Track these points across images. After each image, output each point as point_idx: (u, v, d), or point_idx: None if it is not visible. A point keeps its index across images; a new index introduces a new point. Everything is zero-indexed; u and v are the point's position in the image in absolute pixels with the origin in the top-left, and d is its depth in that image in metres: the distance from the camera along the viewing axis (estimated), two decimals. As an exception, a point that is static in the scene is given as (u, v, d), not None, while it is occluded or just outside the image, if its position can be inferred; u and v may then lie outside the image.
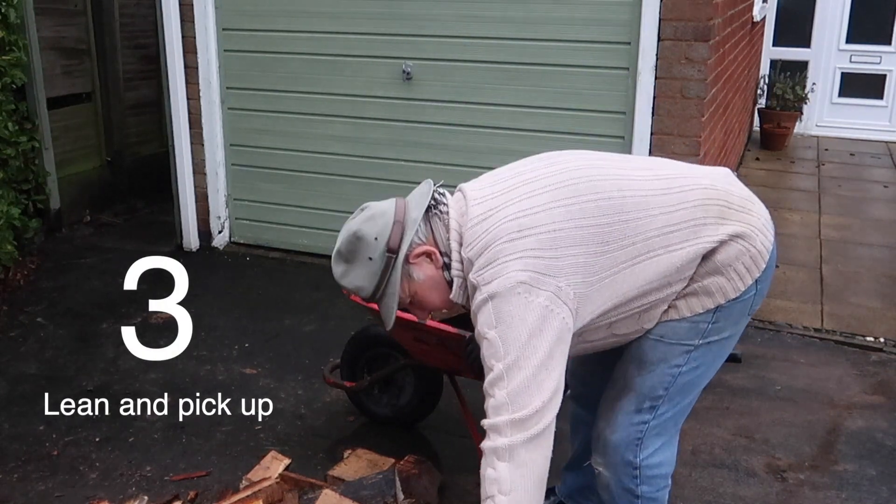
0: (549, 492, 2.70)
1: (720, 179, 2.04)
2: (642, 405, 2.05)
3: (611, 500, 2.16)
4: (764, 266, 1.97)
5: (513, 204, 1.87)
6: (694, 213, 1.92)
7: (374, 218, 1.92)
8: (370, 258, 1.89)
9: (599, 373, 2.25)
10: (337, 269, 1.96)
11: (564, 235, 1.83)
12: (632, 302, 1.93)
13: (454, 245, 1.90)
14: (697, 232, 1.91)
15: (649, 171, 2.01)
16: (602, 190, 1.90)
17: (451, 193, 2.01)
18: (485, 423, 1.82)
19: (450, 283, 1.94)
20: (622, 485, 2.11)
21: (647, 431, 2.05)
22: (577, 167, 1.97)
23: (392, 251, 1.88)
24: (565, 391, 2.26)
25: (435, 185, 1.99)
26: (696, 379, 2.06)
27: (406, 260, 1.90)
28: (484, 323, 1.80)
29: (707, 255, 1.93)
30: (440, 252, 1.92)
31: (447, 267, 1.92)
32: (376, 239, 1.89)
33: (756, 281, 1.97)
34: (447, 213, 1.94)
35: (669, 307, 1.98)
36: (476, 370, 2.54)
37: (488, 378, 1.81)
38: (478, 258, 1.83)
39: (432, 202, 1.94)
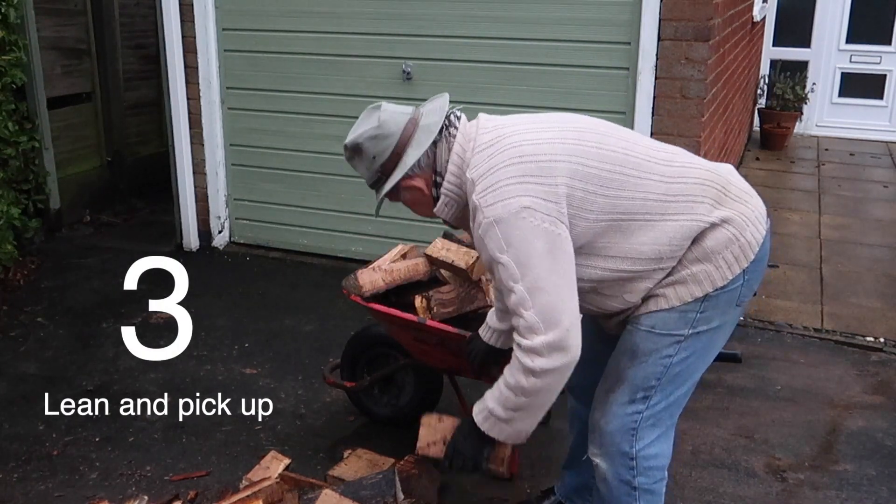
0: (549, 491, 2.70)
1: (722, 169, 2.10)
2: (635, 395, 2.08)
3: (608, 492, 2.17)
4: (753, 257, 2.00)
5: (518, 134, 1.98)
6: (692, 189, 1.99)
7: (378, 138, 2.06)
8: (367, 167, 2.11)
9: (594, 365, 2.26)
10: (345, 153, 2.16)
11: (564, 167, 1.91)
12: (620, 262, 1.98)
13: (451, 168, 2.02)
14: (693, 208, 1.97)
15: (655, 145, 2.10)
16: (607, 144, 1.99)
17: (468, 119, 2.12)
18: (522, 343, 1.91)
19: (435, 200, 2.07)
20: (619, 476, 2.13)
21: (640, 422, 2.08)
22: (589, 122, 2.07)
23: (385, 173, 2.07)
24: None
25: (453, 109, 2.10)
26: (687, 369, 2.08)
27: (398, 186, 2.08)
28: (494, 248, 1.89)
29: (696, 241, 1.97)
30: (435, 172, 2.06)
31: (437, 185, 2.06)
32: (374, 158, 2.07)
33: (744, 271, 2.00)
34: (454, 136, 2.04)
35: (658, 296, 2.02)
36: (476, 370, 2.55)
37: (511, 300, 1.90)
38: (481, 180, 1.92)
39: (445, 122, 2.06)
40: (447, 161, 2.03)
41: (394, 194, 2.11)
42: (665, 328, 2.02)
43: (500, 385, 2.01)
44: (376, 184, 2.13)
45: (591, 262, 1.97)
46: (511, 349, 1.99)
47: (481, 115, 2.10)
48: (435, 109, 2.09)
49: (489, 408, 2.05)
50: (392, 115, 2.09)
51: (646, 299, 2.04)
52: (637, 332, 2.06)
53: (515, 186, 1.88)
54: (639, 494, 2.13)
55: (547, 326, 1.87)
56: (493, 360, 2.45)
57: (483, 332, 2.48)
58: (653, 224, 1.96)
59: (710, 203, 1.99)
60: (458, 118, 2.08)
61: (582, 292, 1.98)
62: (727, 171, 2.11)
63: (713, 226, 1.97)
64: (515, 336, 1.93)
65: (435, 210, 2.09)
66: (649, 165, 1.99)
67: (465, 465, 2.17)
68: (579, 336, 1.90)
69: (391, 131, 2.06)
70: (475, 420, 2.09)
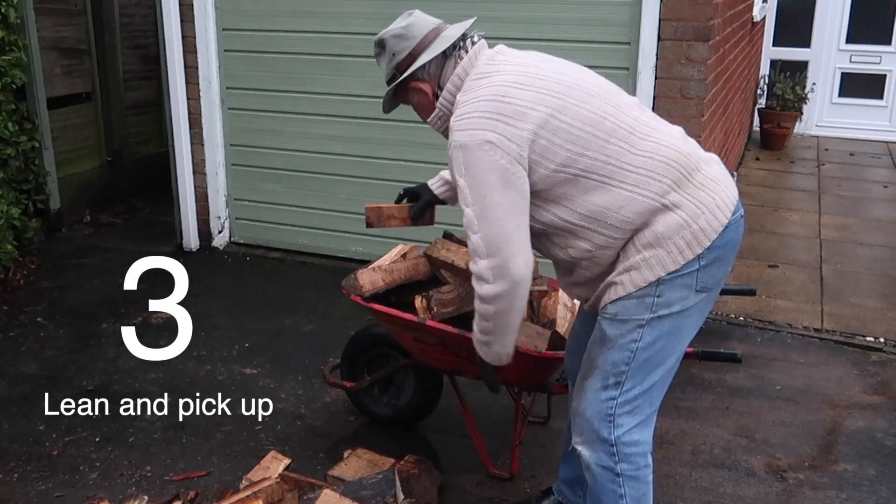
0: (548, 491, 2.70)
1: (702, 156, 2.17)
2: (607, 381, 2.13)
3: (593, 480, 2.20)
4: (708, 245, 2.04)
5: (513, 75, 2.09)
6: (656, 166, 2.05)
7: (402, 37, 2.23)
8: (386, 63, 2.27)
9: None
10: (374, 50, 2.31)
11: (537, 116, 2.01)
12: (570, 214, 2.07)
13: (449, 86, 2.18)
14: (649, 184, 2.03)
15: (645, 118, 2.16)
16: (590, 104, 2.06)
17: (488, 47, 2.25)
18: (472, 268, 2.11)
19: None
20: (601, 462, 2.16)
21: (616, 408, 2.12)
22: (585, 81, 2.14)
23: (399, 70, 2.23)
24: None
25: (476, 34, 2.24)
26: (656, 355, 2.11)
27: (406, 85, 2.25)
28: (455, 168, 2.06)
29: (648, 224, 2.03)
30: (438, 86, 2.21)
31: (436, 97, 2.22)
32: (393, 55, 2.24)
33: (699, 257, 2.04)
34: (461, 57, 2.18)
35: (616, 284, 2.08)
36: (415, 217, 2.76)
37: (464, 221, 2.06)
38: (461, 105, 2.08)
39: (459, 42, 2.20)
40: (447, 78, 2.19)
41: (402, 94, 2.29)
42: (626, 314, 2.08)
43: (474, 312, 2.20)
44: (391, 81, 2.28)
45: (545, 205, 2.09)
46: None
47: (498, 47, 2.23)
48: (458, 27, 2.25)
49: (473, 333, 2.27)
50: (420, 20, 2.25)
51: (606, 288, 2.12)
52: (603, 320, 2.14)
53: (486, 121, 2.01)
54: (623, 480, 2.17)
55: (489, 252, 2.03)
56: (429, 213, 2.75)
57: (434, 182, 2.73)
58: (608, 188, 2.04)
59: (667, 184, 2.03)
60: (474, 42, 2.21)
61: (534, 232, 2.11)
62: (706, 158, 2.17)
63: (665, 208, 2.03)
64: (469, 265, 2.15)
65: (428, 120, 2.27)
66: (622, 133, 2.06)
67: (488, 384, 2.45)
68: (526, 266, 2.04)
69: (413, 34, 2.22)
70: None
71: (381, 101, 2.35)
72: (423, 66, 2.20)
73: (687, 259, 2.03)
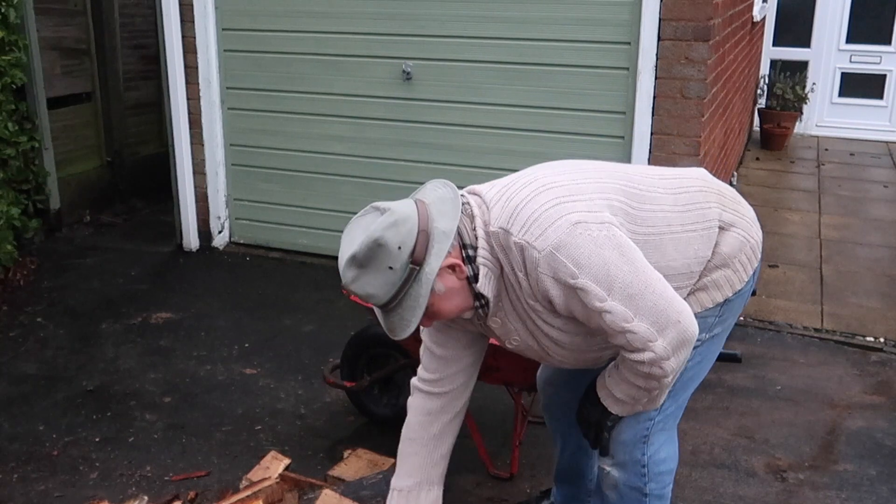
0: (548, 492, 2.70)
1: (703, 173, 2.13)
2: None
3: (619, 498, 2.15)
4: (760, 256, 2.05)
5: (524, 176, 1.88)
6: (696, 196, 1.99)
7: (396, 224, 1.74)
8: (390, 267, 1.75)
9: (571, 383, 2.27)
10: (348, 273, 1.79)
11: (588, 187, 1.83)
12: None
13: (480, 232, 1.81)
14: (705, 215, 1.97)
15: (640, 167, 2.11)
16: (607, 169, 1.96)
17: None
18: (644, 357, 1.77)
19: (469, 280, 1.83)
20: (630, 483, 2.11)
21: (652, 428, 2.07)
22: (575, 162, 2.02)
23: (416, 263, 1.75)
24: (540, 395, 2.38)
25: (447, 185, 1.90)
26: (697, 374, 2.09)
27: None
28: (567, 276, 1.72)
29: (714, 250, 1.98)
30: (463, 247, 1.81)
31: (471, 260, 1.81)
32: (399, 248, 1.74)
33: (754, 271, 2.04)
34: (468, 204, 1.86)
35: None
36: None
37: (609, 321, 1.74)
38: (512, 223, 1.76)
39: (452, 194, 1.86)
40: (474, 227, 1.82)
41: (430, 296, 1.79)
42: None
43: (626, 380, 1.88)
44: (405, 284, 1.76)
45: None
46: None
47: (471, 188, 1.92)
48: (431, 187, 1.89)
49: (617, 397, 1.95)
50: (391, 203, 1.81)
51: None
52: None
53: (555, 209, 1.74)
54: (649, 500, 2.13)
55: (661, 329, 1.74)
56: None
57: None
58: (677, 237, 1.92)
59: (716, 207, 2.00)
60: (462, 196, 1.88)
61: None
62: (708, 174, 2.13)
63: (722, 230, 1.99)
64: (630, 356, 1.80)
65: (478, 287, 1.82)
66: (650, 181, 1.97)
67: (589, 430, 2.08)
68: (692, 315, 1.79)
69: (406, 214, 1.77)
70: (602, 401, 2.00)
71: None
72: (457, 231, 1.78)
73: (749, 274, 2.02)
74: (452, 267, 1.79)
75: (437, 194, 1.86)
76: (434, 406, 2.23)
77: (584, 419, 2.07)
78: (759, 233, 2.06)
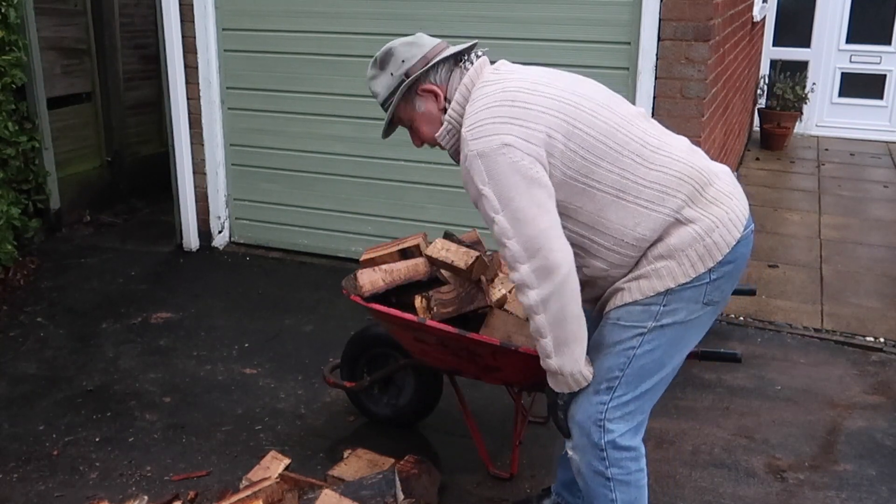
0: (548, 491, 2.70)
1: (713, 169, 2.14)
2: (599, 386, 2.12)
3: (584, 484, 2.22)
4: (720, 258, 2.04)
5: (521, 81, 2.10)
6: (669, 181, 2.04)
7: (412, 44, 2.19)
8: (391, 73, 2.19)
9: None
10: (370, 70, 2.25)
11: (551, 120, 2.00)
12: (585, 228, 2.06)
13: (458, 97, 2.14)
14: (664, 200, 2.03)
15: (654, 130, 2.14)
16: (601, 114, 2.05)
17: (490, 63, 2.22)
18: (511, 277, 2.02)
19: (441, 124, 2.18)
20: (592, 467, 2.17)
21: (606, 413, 2.11)
22: (594, 91, 2.13)
23: (407, 76, 2.16)
24: None
25: (480, 49, 2.24)
26: (653, 363, 2.11)
27: (415, 90, 2.18)
28: (477, 179, 2.00)
29: (661, 237, 2.03)
30: (445, 97, 2.17)
31: (443, 111, 2.17)
32: (403, 62, 2.18)
33: (710, 271, 2.04)
34: (467, 69, 2.16)
35: (623, 290, 2.08)
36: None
37: (495, 231, 2.00)
38: (471, 115, 2.05)
39: (465, 56, 2.19)
40: (455, 89, 2.15)
41: (405, 108, 2.21)
42: (629, 320, 2.07)
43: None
44: (395, 91, 2.19)
45: (561, 220, 2.04)
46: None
47: (501, 61, 2.23)
48: (463, 45, 2.23)
49: (544, 366, 2.11)
50: (425, 36, 2.24)
51: (613, 294, 2.11)
52: (606, 324, 2.13)
53: (500, 125, 1.98)
54: (614, 485, 2.17)
55: (529, 254, 1.96)
56: None
57: None
58: (623, 204, 2.02)
59: (682, 199, 2.03)
60: (479, 56, 2.20)
61: None
62: (717, 171, 2.14)
63: (678, 223, 2.03)
64: (510, 276, 2.05)
65: (437, 135, 2.19)
66: (635, 146, 2.04)
67: (555, 419, 2.23)
68: (567, 257, 1.98)
69: (424, 43, 2.20)
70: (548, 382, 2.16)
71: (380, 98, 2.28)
72: (437, 66, 2.16)
73: (698, 272, 2.04)
74: (431, 92, 2.17)
75: (459, 45, 2.20)
76: None
77: (548, 401, 2.23)
78: (729, 235, 2.05)
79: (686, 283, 2.04)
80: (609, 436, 2.12)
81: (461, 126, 2.10)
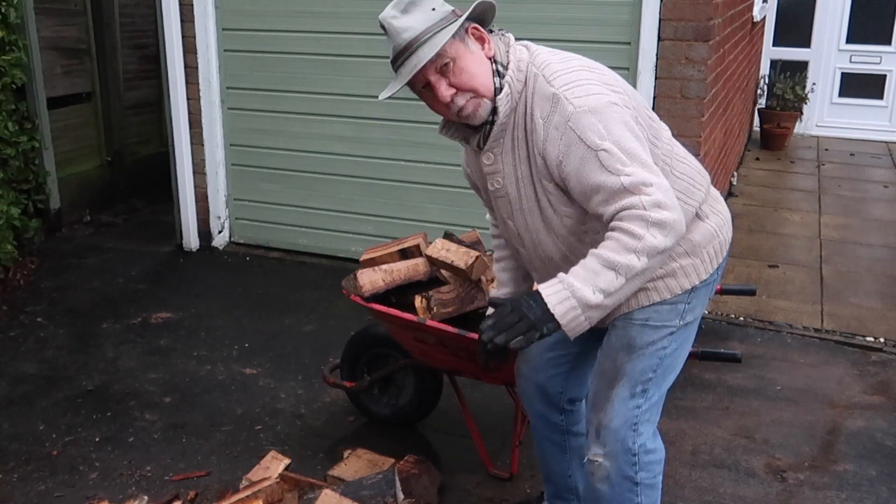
0: (542, 496, 2.70)
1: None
2: (635, 389, 2.08)
3: (611, 490, 2.14)
4: (725, 255, 2.11)
5: (574, 56, 1.98)
6: (693, 173, 2.06)
7: None
8: (433, 8, 1.89)
9: (545, 369, 2.33)
10: (390, 11, 1.91)
11: (623, 86, 1.94)
12: None
13: (514, 61, 1.93)
14: (692, 192, 2.03)
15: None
16: (641, 100, 2.04)
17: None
18: (649, 216, 1.77)
19: (493, 67, 1.93)
20: (622, 473, 2.11)
21: (640, 416, 2.09)
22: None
23: (456, 13, 1.91)
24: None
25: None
26: (676, 362, 2.13)
27: (466, 29, 1.92)
28: (594, 135, 1.81)
29: (686, 235, 1.99)
30: (493, 59, 1.93)
31: (498, 74, 1.92)
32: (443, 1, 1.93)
33: (717, 268, 2.09)
34: (509, 36, 1.99)
35: (650, 290, 2.03)
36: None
37: (626, 182, 1.78)
38: (558, 75, 1.88)
39: (496, 27, 2.01)
40: (507, 52, 1.94)
41: (459, 44, 1.88)
42: (659, 320, 2.04)
43: (593, 265, 1.82)
44: (440, 23, 1.87)
45: None
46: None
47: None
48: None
49: (573, 286, 1.81)
50: None
51: (636, 294, 2.01)
52: (633, 326, 2.05)
53: (600, 87, 1.87)
54: (640, 490, 2.13)
55: (671, 204, 1.80)
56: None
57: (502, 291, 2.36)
58: None
59: (703, 193, 2.06)
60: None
61: (588, 235, 1.95)
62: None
63: (697, 218, 2.04)
64: (633, 213, 1.78)
65: (498, 99, 1.91)
66: (666, 136, 2.06)
67: (497, 338, 1.84)
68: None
69: None
70: (543, 295, 1.83)
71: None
72: (491, 7, 1.94)
73: (714, 268, 2.07)
74: (482, 39, 1.93)
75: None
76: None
77: (512, 313, 1.84)
78: (730, 234, 2.13)
79: (705, 280, 2.06)
80: (640, 439, 2.10)
81: (520, 90, 1.92)
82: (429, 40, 1.86)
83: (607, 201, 1.82)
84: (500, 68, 1.92)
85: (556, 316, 1.82)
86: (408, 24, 1.87)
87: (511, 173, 2.00)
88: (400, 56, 1.90)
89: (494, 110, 1.93)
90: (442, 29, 1.86)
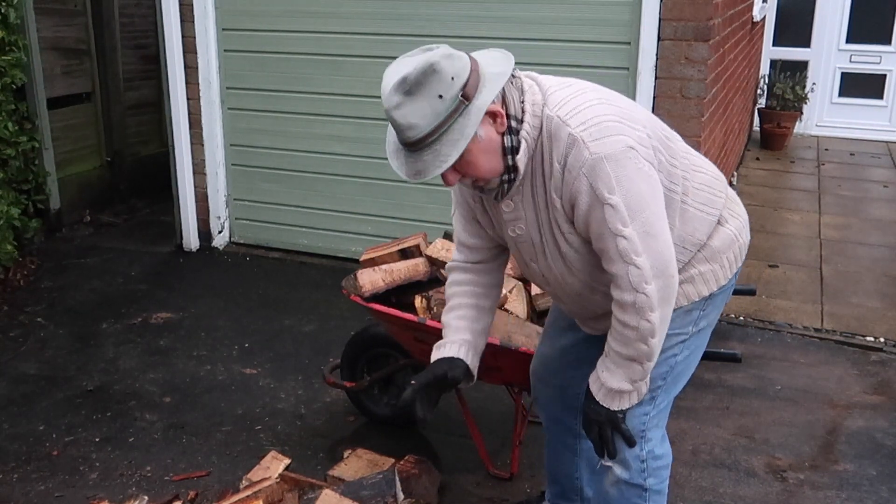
0: (542, 495, 2.70)
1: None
2: (644, 397, 2.06)
3: (619, 494, 2.14)
4: (743, 259, 2.07)
5: (582, 84, 1.88)
6: (711, 182, 2.02)
7: (452, 57, 1.72)
8: (440, 96, 1.70)
9: (561, 373, 2.31)
10: (393, 97, 1.73)
11: (644, 119, 1.86)
12: None
13: (529, 108, 1.80)
14: (713, 201, 1.99)
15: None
16: (652, 116, 1.98)
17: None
18: (625, 299, 1.79)
19: (507, 150, 1.81)
20: (632, 479, 2.11)
21: (648, 423, 2.07)
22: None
23: (466, 97, 1.71)
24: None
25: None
26: (686, 369, 2.11)
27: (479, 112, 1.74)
28: (604, 187, 1.73)
29: (706, 241, 1.99)
30: (507, 115, 1.79)
31: (513, 131, 1.79)
32: (453, 79, 1.70)
33: (735, 273, 2.06)
34: (520, 78, 1.84)
35: None
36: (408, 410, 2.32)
37: (620, 245, 1.76)
38: (573, 115, 1.76)
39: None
40: (522, 101, 1.80)
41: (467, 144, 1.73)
42: (672, 328, 1.97)
43: (616, 362, 1.90)
44: (451, 116, 1.71)
45: None
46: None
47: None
48: (483, 51, 1.87)
49: (612, 389, 1.92)
50: (444, 45, 1.80)
51: None
52: None
53: (616, 125, 1.75)
54: (649, 496, 2.13)
55: (656, 273, 1.77)
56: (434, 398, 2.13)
57: (457, 350, 2.15)
58: (686, 208, 1.94)
59: (723, 199, 2.02)
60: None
61: (601, 269, 1.88)
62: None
63: (718, 224, 2.01)
64: (619, 293, 1.81)
65: (517, 158, 1.80)
66: (682, 146, 1.99)
67: (607, 456, 2.03)
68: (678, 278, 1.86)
69: (460, 53, 1.76)
70: (602, 404, 1.96)
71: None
72: (494, 80, 1.75)
73: (733, 273, 2.04)
74: (494, 116, 1.76)
75: (490, 54, 1.85)
76: (470, 277, 2.20)
77: (591, 420, 2.01)
78: (749, 236, 2.08)
79: (723, 286, 2.03)
80: (649, 445, 2.08)
81: (537, 138, 1.81)
82: (435, 143, 1.72)
83: (603, 257, 1.83)
84: (515, 123, 1.79)
85: (617, 410, 1.96)
86: (412, 122, 1.72)
87: (533, 219, 1.93)
88: (404, 146, 1.79)
89: (514, 167, 1.83)
90: (450, 127, 1.71)
